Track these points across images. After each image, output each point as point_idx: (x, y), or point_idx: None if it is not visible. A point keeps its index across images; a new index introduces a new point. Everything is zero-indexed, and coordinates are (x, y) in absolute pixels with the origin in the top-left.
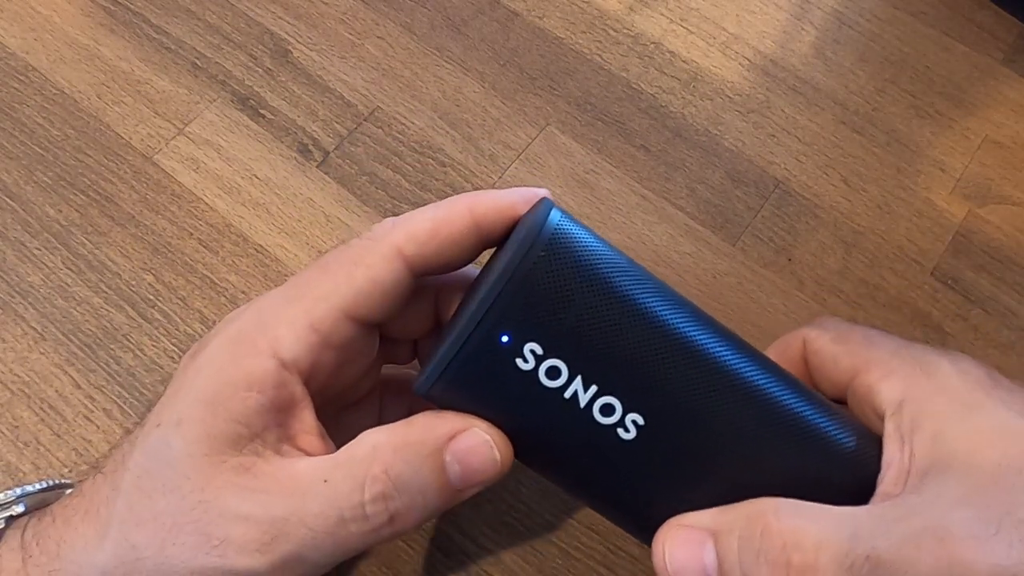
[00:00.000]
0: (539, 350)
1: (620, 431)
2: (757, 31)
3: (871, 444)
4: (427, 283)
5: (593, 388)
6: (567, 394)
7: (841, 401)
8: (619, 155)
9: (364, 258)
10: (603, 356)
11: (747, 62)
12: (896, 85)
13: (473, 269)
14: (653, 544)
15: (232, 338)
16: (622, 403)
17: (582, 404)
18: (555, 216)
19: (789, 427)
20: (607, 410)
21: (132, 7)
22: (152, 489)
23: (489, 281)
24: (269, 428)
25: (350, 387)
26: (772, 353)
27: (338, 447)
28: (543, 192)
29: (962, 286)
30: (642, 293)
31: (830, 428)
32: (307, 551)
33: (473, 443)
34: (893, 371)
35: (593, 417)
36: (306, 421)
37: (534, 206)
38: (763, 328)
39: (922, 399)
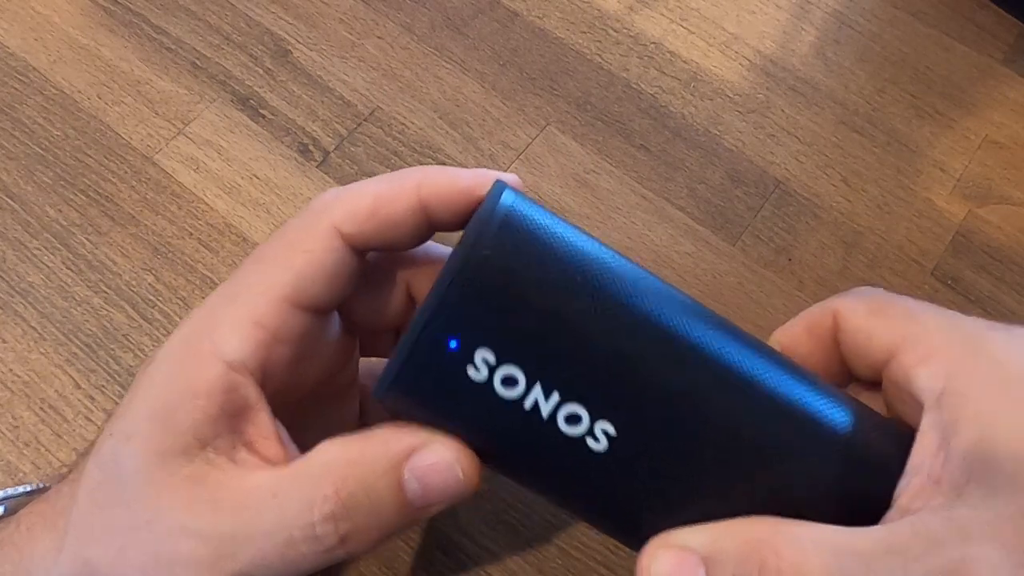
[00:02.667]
0: (491, 358)
1: (590, 441)
2: (757, 31)
3: (894, 445)
4: (398, 267)
5: (555, 396)
6: (527, 404)
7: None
8: (619, 155)
9: (302, 242)
10: (562, 360)
11: (747, 62)
12: (896, 85)
13: (448, 249)
14: (638, 563)
15: (178, 345)
16: (588, 411)
17: (544, 415)
18: (505, 201)
19: (789, 424)
20: (573, 420)
21: (132, 7)
22: (104, 502)
23: (440, 277)
24: (222, 435)
25: (323, 382)
26: (796, 330)
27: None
28: (509, 176)
29: (962, 286)
30: (603, 285)
31: (842, 426)
32: (256, 571)
33: (433, 460)
34: (935, 352)
35: (559, 429)
36: (262, 425)
37: (489, 191)
38: (763, 328)
39: (967, 390)
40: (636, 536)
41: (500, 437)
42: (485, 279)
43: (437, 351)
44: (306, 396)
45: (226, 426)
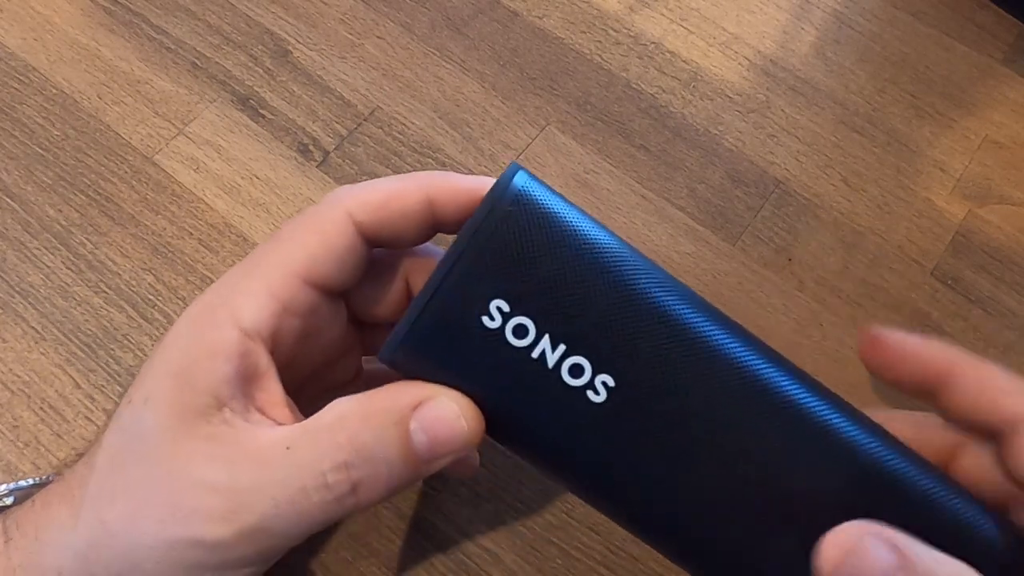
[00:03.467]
0: (505, 307)
1: (590, 393)
2: (757, 31)
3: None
4: (398, 263)
5: (561, 347)
6: (535, 354)
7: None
8: (619, 155)
9: (316, 224)
10: (570, 315)
11: (747, 62)
12: (896, 85)
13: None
14: (822, 547)
15: (195, 314)
16: (591, 363)
17: (550, 364)
18: (522, 176)
19: (791, 417)
20: (576, 371)
21: (132, 7)
22: (123, 464)
23: (456, 242)
24: (236, 398)
25: (324, 365)
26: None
27: None
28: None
29: (962, 286)
30: (609, 252)
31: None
32: (271, 522)
33: (439, 412)
34: None
35: (562, 378)
36: (272, 391)
37: (506, 169)
38: (763, 328)
39: None
40: (622, 500)
41: (507, 385)
42: (503, 235)
43: (455, 300)
44: (310, 383)
45: (240, 389)
